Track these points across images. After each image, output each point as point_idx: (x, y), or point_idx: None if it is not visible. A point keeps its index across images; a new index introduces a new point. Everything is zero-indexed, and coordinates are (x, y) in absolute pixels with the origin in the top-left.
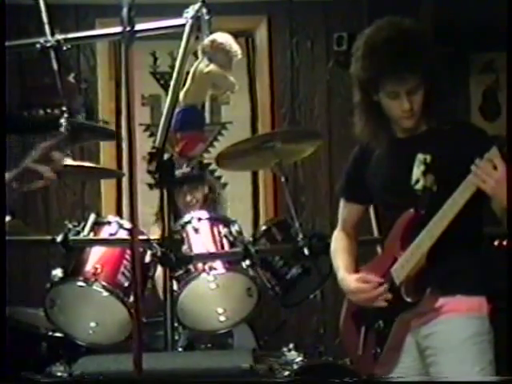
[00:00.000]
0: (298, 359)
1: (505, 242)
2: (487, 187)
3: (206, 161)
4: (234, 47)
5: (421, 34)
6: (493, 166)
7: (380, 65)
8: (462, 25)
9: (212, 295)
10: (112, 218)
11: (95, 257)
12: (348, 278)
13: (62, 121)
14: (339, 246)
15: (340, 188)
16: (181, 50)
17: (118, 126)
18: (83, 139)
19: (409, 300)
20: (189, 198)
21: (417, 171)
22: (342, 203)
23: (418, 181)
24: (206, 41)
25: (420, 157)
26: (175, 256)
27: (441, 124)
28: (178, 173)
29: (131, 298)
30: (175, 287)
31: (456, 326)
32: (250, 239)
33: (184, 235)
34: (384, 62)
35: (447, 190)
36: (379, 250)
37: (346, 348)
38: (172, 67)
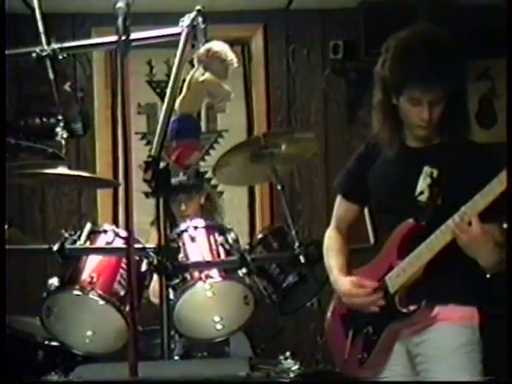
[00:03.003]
0: (295, 367)
1: None
2: (461, 242)
3: (202, 169)
4: (230, 56)
5: (455, 46)
6: (468, 222)
7: (410, 69)
8: (458, 32)
9: (208, 303)
10: (108, 226)
11: (91, 265)
12: (342, 280)
13: (58, 129)
14: (333, 246)
15: (339, 184)
16: (177, 59)
17: (114, 134)
18: None
19: (403, 311)
20: (183, 207)
21: (422, 183)
22: (338, 199)
23: (422, 192)
24: (202, 49)
25: (427, 169)
26: (171, 264)
27: (453, 140)
28: (174, 181)
29: (127, 307)
30: (171, 296)
31: (448, 334)
32: (247, 247)
33: (180, 243)
34: (414, 68)
35: (452, 205)
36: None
37: (332, 349)
38: (168, 75)
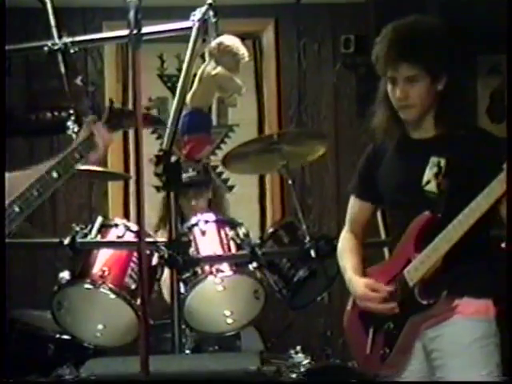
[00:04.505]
0: (305, 361)
1: None
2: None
3: (212, 163)
4: (241, 50)
5: (432, 27)
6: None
7: (383, 49)
8: (469, 27)
9: (219, 297)
10: (119, 220)
11: (102, 259)
12: (356, 282)
13: (69, 123)
14: (346, 247)
15: (352, 185)
16: (188, 53)
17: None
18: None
19: (424, 302)
20: (194, 202)
21: (429, 173)
22: (352, 201)
23: (428, 182)
24: (213, 43)
25: (434, 160)
26: (182, 258)
27: (455, 128)
28: (184, 177)
29: (138, 301)
30: (182, 289)
31: (463, 329)
32: (257, 241)
33: (191, 237)
34: (392, 47)
35: (462, 194)
36: (386, 251)
37: (352, 347)
38: (179, 70)
